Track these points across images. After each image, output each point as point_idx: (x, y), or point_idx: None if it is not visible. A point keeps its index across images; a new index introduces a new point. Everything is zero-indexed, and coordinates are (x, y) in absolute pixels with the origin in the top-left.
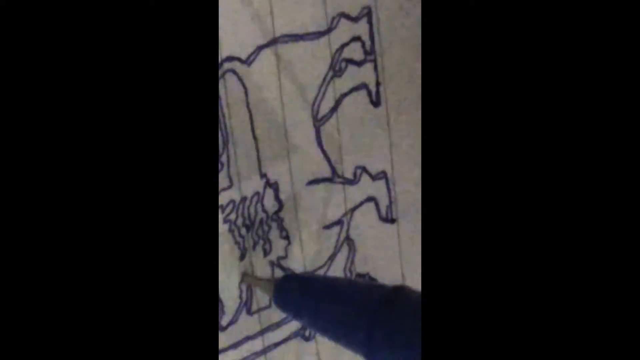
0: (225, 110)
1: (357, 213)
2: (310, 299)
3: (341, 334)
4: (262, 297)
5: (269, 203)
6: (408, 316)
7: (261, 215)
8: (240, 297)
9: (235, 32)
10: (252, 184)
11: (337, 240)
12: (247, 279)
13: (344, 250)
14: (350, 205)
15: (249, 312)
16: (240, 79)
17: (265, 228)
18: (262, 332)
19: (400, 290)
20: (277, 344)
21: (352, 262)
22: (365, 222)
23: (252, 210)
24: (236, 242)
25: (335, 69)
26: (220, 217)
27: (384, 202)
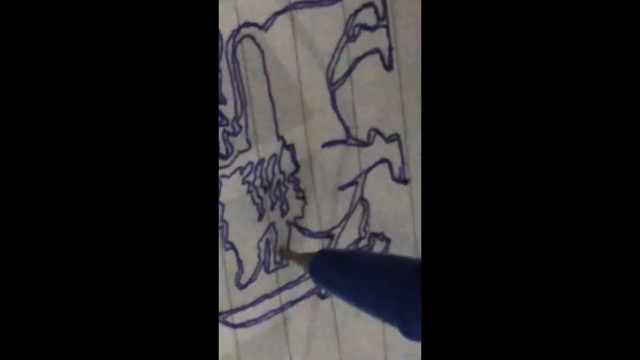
0: (243, 74)
1: (370, 174)
2: (345, 272)
3: (376, 305)
4: (278, 255)
5: (286, 165)
6: None
7: (278, 176)
8: (259, 256)
9: None
10: (269, 147)
11: (352, 201)
12: (284, 253)
13: (359, 210)
14: (364, 167)
15: (267, 271)
16: (257, 44)
17: (283, 189)
18: (279, 290)
19: None
20: (293, 302)
21: (367, 222)
22: (379, 183)
23: (269, 171)
24: (254, 203)
25: (349, 35)
26: (239, 178)
27: (397, 164)
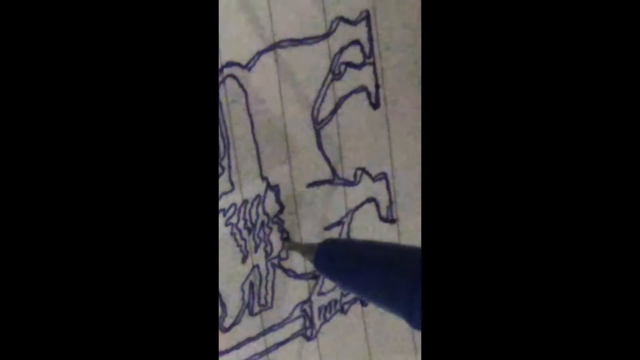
0: (226, 114)
1: (357, 214)
2: (351, 262)
3: (383, 295)
4: (262, 297)
5: (270, 206)
6: None
7: (262, 217)
8: (243, 299)
9: (234, 38)
10: (253, 187)
11: None
12: (288, 244)
13: None
14: (350, 206)
15: (251, 313)
16: (240, 84)
17: (267, 230)
18: (264, 332)
19: None
20: (278, 344)
21: None
22: (366, 223)
23: (253, 213)
24: (238, 245)
25: (335, 72)
26: (222, 220)
27: (384, 203)
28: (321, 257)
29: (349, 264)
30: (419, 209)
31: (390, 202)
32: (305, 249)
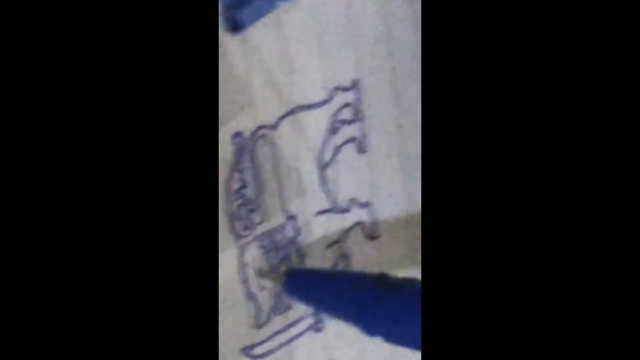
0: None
1: (349, 234)
2: (313, 287)
3: (338, 309)
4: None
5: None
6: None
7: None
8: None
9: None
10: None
11: (335, 256)
12: (262, 274)
13: (342, 263)
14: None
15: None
16: (270, 143)
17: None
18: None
19: (384, 278)
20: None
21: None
22: (355, 241)
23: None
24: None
25: (333, 128)
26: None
27: (368, 224)
28: (288, 285)
29: (312, 289)
30: (399, 227)
31: (372, 222)
32: (275, 279)
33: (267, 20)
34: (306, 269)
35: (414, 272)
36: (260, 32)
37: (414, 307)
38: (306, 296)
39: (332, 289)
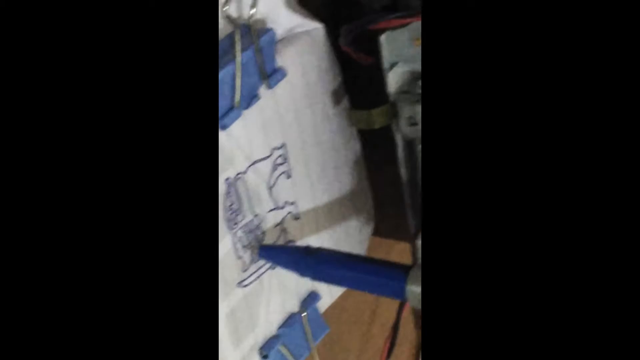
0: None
1: (286, 219)
2: (274, 253)
3: (287, 263)
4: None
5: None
6: None
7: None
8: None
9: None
10: (250, 217)
11: (279, 232)
12: (243, 246)
13: (282, 236)
14: (284, 215)
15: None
16: (243, 180)
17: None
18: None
19: (308, 248)
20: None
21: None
22: (289, 222)
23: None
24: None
25: (274, 167)
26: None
27: (294, 213)
28: (261, 254)
29: (273, 254)
30: (311, 214)
31: (298, 212)
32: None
33: (239, 121)
34: (268, 245)
35: (317, 239)
36: (238, 127)
37: (327, 263)
38: (267, 257)
39: (280, 253)
